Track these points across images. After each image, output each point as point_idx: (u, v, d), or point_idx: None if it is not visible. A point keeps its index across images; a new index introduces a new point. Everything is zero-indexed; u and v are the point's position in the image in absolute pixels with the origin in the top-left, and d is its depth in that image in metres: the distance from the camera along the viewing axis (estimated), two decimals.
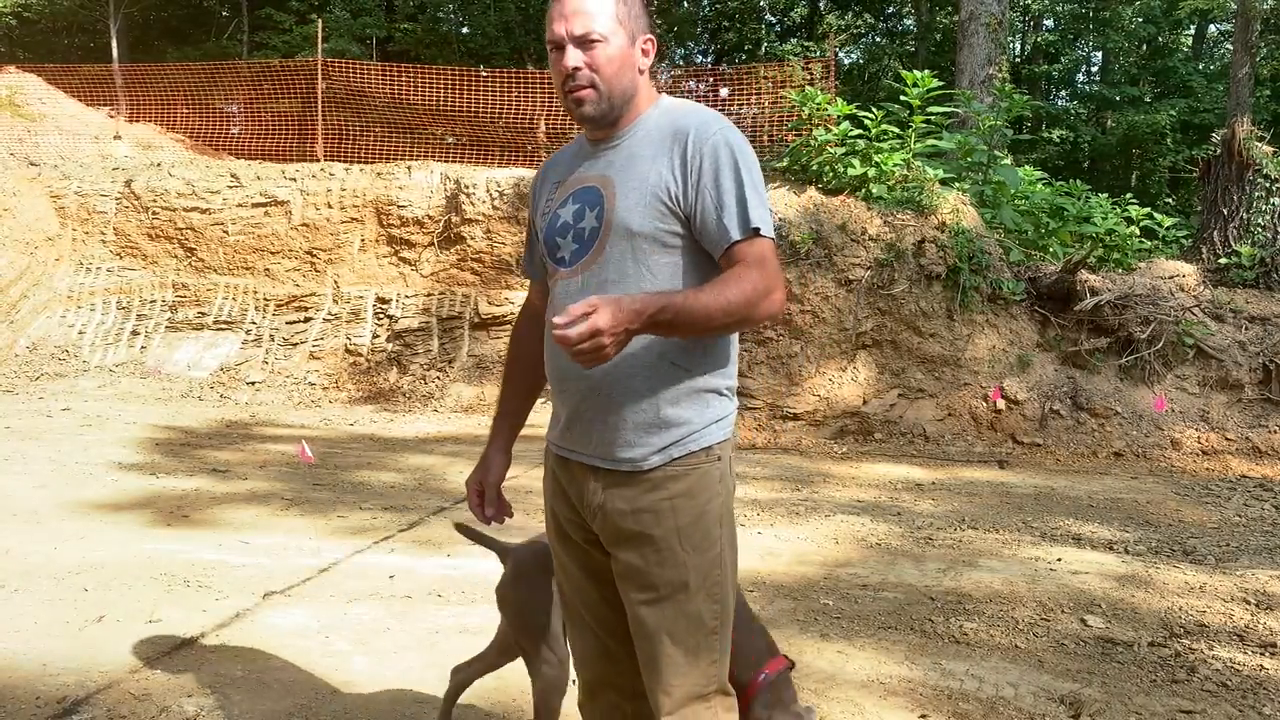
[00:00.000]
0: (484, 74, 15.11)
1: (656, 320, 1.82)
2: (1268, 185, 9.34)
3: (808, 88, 10.61)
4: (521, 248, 10.64)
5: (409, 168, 11.63)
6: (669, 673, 2.02)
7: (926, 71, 9.97)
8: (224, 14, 26.84)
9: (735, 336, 2.13)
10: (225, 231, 11.56)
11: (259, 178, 11.81)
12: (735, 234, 1.95)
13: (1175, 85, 25.05)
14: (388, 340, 10.72)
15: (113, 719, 3.05)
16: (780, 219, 9.38)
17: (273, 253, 11.44)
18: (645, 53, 2.09)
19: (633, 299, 1.82)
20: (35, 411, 9.01)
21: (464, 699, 3.28)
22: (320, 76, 14.12)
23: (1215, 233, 9.46)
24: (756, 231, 1.95)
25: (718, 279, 1.93)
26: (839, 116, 10.02)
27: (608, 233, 2.01)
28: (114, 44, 21.28)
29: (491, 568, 4.74)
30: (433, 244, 11.17)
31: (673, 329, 1.88)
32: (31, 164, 13.27)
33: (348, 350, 10.75)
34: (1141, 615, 4.25)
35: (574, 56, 2.01)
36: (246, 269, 11.45)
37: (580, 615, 2.25)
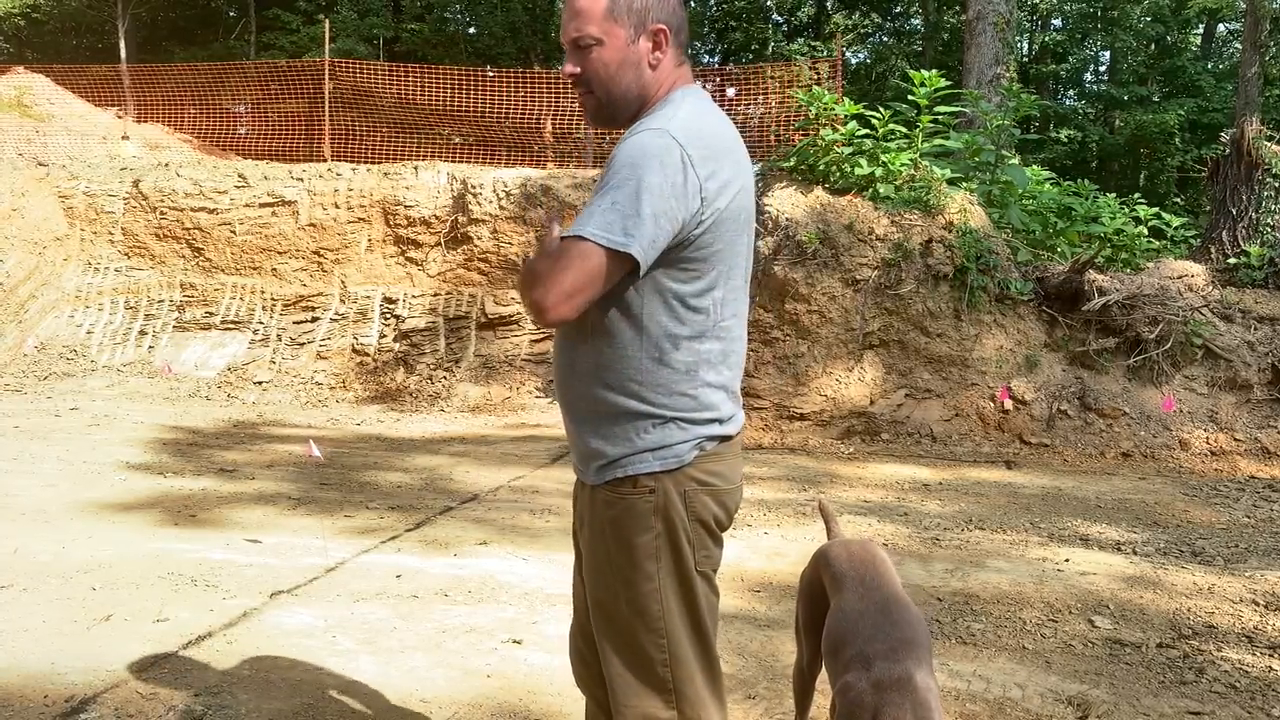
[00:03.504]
0: (491, 74, 15.14)
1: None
2: (1277, 185, 9.29)
3: (814, 87, 10.59)
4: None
5: (416, 168, 11.64)
6: (619, 690, 2.01)
7: (934, 71, 9.94)
8: (231, 14, 26.94)
9: (682, 358, 1.96)
10: (233, 231, 11.58)
11: (266, 178, 11.83)
12: (566, 231, 1.87)
13: (1184, 85, 24.99)
14: (395, 340, 10.73)
15: (120, 718, 3.06)
16: (787, 219, 9.37)
17: (280, 253, 11.46)
18: (656, 44, 1.97)
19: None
20: (43, 411, 9.04)
21: (467, 700, 3.28)
22: (327, 77, 14.16)
23: (1224, 232, 9.42)
24: (578, 237, 1.82)
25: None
26: (846, 116, 10.00)
27: None
28: (122, 44, 21.36)
29: (497, 568, 4.76)
30: (439, 244, 11.18)
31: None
32: (40, 164, 13.32)
33: (355, 350, 10.76)
34: (1150, 616, 4.23)
35: (570, 63, 1.96)
36: (254, 269, 11.48)
37: (575, 619, 2.28)
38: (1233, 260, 9.22)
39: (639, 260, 1.82)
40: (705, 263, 1.92)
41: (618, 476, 1.95)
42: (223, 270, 11.55)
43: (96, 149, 14.08)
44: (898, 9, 29.16)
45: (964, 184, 10.02)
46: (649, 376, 1.93)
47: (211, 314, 11.23)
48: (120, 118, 15.45)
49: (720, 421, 2.00)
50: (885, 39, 29.50)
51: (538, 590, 4.31)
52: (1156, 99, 24.51)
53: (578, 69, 1.95)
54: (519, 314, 10.37)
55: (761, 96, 13.44)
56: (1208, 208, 10.94)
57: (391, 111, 14.93)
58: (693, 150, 1.87)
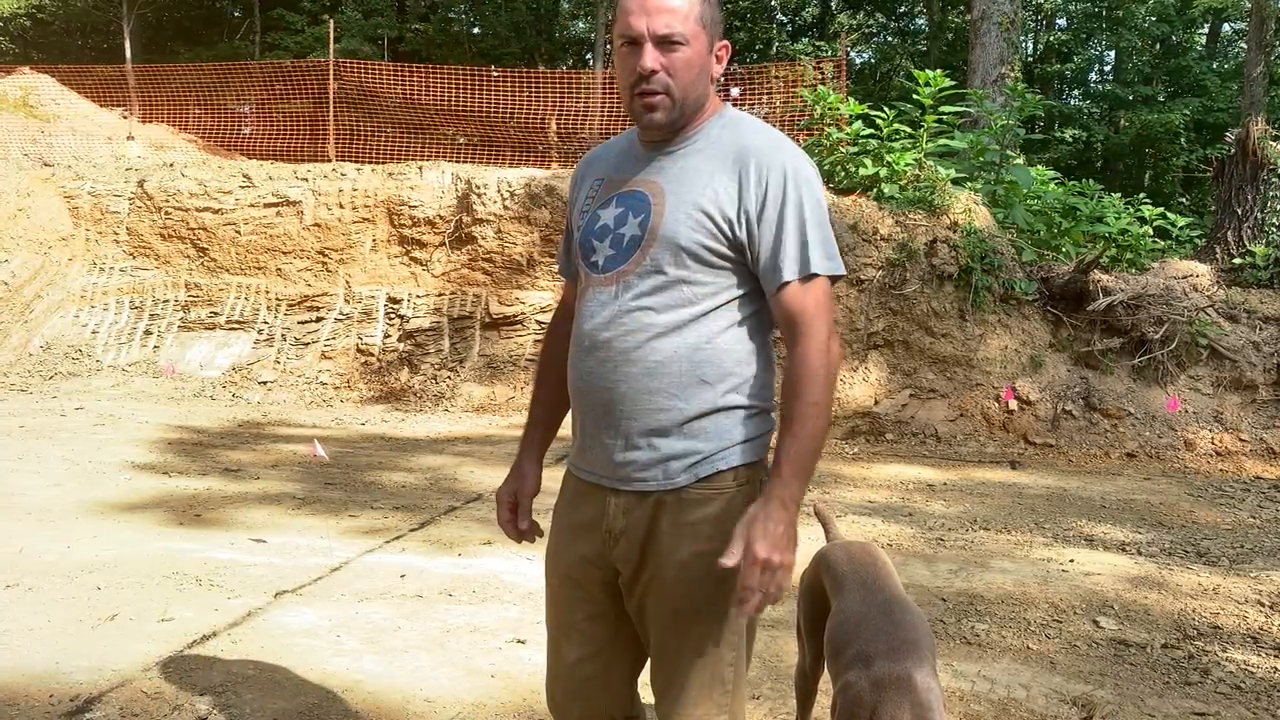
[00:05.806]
0: (495, 74, 15.16)
1: (799, 496, 1.82)
2: None
3: (819, 87, 10.60)
4: (533, 248, 10.65)
5: (420, 168, 11.65)
6: (681, 701, 1.96)
7: (938, 71, 9.94)
8: (236, 15, 27.01)
9: (768, 352, 2.03)
10: (237, 231, 11.59)
11: (271, 178, 11.84)
12: (788, 274, 1.87)
13: (1189, 84, 24.96)
14: (399, 340, 10.74)
15: (125, 717, 3.06)
16: None
17: (284, 253, 11.47)
18: (719, 59, 1.98)
19: (768, 509, 1.80)
20: (49, 411, 9.05)
21: (471, 700, 3.28)
22: (332, 77, 14.18)
23: (1229, 232, 9.41)
24: (814, 275, 1.88)
25: (787, 384, 1.87)
26: (851, 116, 10.00)
27: (651, 243, 1.91)
28: (127, 45, 21.44)
29: (501, 568, 4.76)
30: (444, 244, 11.19)
31: (808, 473, 1.86)
32: (45, 164, 13.35)
33: (359, 350, 10.77)
34: (1155, 617, 4.22)
35: (652, 57, 1.88)
36: (258, 269, 11.49)
37: (558, 647, 2.19)
38: (1238, 260, 9.20)
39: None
40: None
41: (719, 469, 1.93)
42: (227, 270, 11.56)
43: (101, 149, 14.11)
44: (902, 9, 29.16)
45: (969, 184, 10.01)
46: (747, 369, 1.95)
47: (216, 314, 11.25)
48: (125, 118, 15.49)
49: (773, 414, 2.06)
50: (890, 39, 29.51)
51: (541, 590, 4.31)
52: (1161, 99, 24.48)
53: (658, 67, 1.90)
54: (523, 314, 10.37)
55: (766, 96, 13.44)
56: (1213, 208, 10.92)
57: (396, 111, 14.96)
58: None
